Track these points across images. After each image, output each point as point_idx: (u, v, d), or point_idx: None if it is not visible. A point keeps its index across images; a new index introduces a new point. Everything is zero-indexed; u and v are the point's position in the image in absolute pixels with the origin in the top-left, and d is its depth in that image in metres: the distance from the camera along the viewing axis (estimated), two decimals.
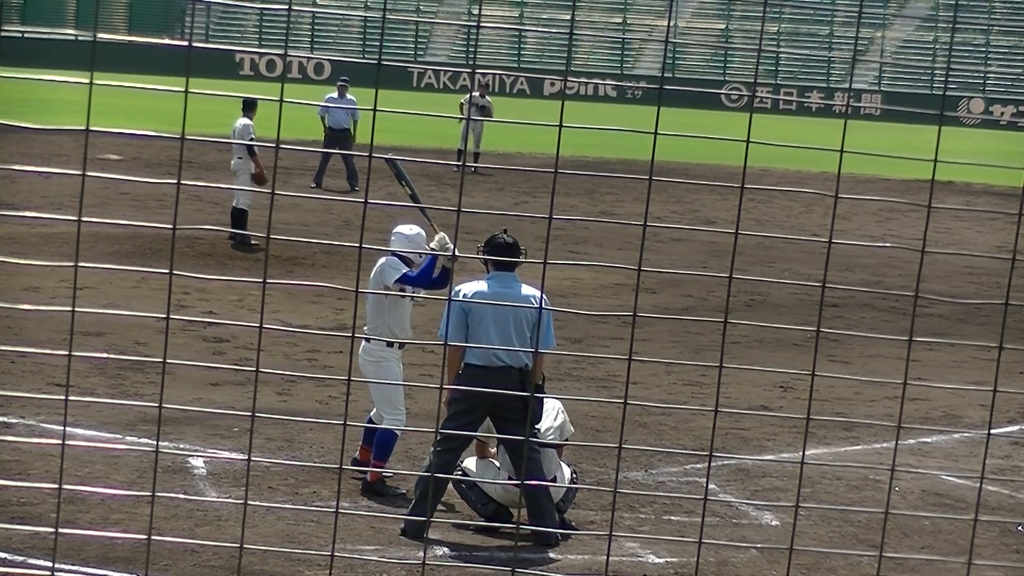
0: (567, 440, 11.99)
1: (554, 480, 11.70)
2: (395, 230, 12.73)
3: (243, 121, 24.33)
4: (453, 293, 11.54)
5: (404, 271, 12.39)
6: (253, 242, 24.45)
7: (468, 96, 36.77)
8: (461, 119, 34.19)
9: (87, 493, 11.44)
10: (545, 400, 11.95)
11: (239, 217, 24.63)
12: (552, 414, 12.00)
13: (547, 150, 41.57)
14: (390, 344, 12.42)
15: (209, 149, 33.94)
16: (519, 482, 11.47)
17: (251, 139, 23.89)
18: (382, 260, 12.63)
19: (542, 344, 11.46)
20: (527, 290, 11.73)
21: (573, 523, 11.86)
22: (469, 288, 11.69)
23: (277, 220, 26.17)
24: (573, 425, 12.33)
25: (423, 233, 12.75)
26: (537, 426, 11.83)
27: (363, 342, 12.49)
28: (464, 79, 66.24)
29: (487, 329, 11.49)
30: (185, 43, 4.94)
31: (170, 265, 4.72)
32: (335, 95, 33.82)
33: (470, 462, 12.03)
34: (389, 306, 12.49)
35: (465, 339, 11.52)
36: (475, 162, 37.44)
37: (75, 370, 15.08)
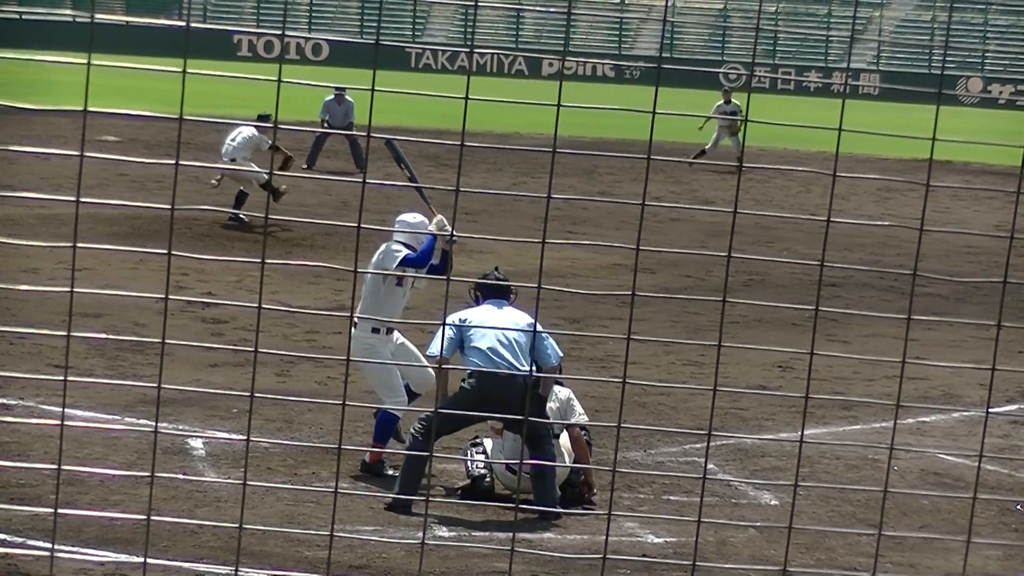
0: (574, 423, 12.08)
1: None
2: (398, 219, 12.77)
3: (253, 132, 23.93)
4: (448, 318, 11.68)
5: (405, 253, 12.41)
6: (244, 216, 24.35)
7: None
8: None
9: (86, 474, 11.44)
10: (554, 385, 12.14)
11: (241, 197, 24.70)
12: (556, 397, 12.09)
13: (545, 130, 41.53)
14: (375, 330, 12.42)
15: (208, 130, 33.86)
16: (517, 463, 11.51)
17: (265, 142, 23.73)
18: (384, 246, 12.64)
19: (544, 360, 11.60)
20: (520, 314, 11.96)
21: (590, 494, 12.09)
22: (463, 313, 11.91)
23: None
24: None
25: (425, 220, 12.77)
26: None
27: (353, 328, 12.46)
28: (462, 59, 66.14)
29: (487, 338, 11.59)
30: (183, 24, 4.94)
31: (168, 246, 4.72)
32: (332, 99, 33.60)
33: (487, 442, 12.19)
34: (385, 294, 12.49)
35: (461, 352, 11.69)
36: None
37: (74, 351, 15.08)
